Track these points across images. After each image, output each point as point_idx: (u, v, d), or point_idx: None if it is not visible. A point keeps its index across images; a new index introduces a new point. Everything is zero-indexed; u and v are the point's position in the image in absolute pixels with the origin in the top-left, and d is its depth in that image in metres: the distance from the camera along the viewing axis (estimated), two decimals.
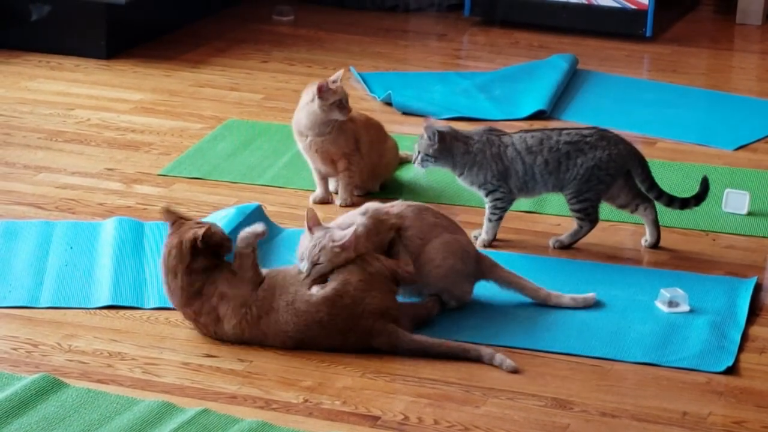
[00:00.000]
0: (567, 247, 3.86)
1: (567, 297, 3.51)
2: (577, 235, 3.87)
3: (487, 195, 3.84)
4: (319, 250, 3.29)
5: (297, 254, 3.34)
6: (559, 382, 3.19)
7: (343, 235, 3.29)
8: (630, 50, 5.83)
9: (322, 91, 4.01)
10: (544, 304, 3.49)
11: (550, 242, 3.88)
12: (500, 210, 3.84)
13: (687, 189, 4.32)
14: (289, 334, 3.25)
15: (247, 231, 3.32)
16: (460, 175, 3.84)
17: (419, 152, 3.83)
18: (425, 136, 3.81)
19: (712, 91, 5.35)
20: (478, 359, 3.25)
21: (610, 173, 3.81)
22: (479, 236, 3.85)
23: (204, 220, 3.76)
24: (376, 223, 3.41)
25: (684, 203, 3.92)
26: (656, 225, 3.90)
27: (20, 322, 3.38)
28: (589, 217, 3.84)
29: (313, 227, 3.33)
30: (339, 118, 4.05)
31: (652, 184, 3.87)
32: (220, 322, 3.28)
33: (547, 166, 3.80)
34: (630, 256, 3.87)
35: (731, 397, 3.16)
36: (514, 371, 3.22)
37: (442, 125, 3.86)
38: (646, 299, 3.57)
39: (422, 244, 3.44)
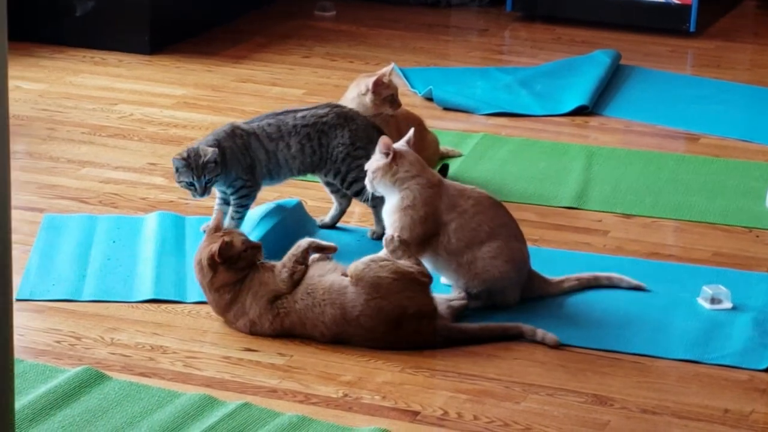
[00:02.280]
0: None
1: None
2: (378, 216, 3.78)
3: (234, 192, 3.76)
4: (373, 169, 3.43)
5: None
6: (600, 379, 3.18)
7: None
8: (673, 45, 5.80)
9: (378, 86, 4.05)
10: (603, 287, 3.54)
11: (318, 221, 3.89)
12: (245, 208, 3.78)
13: (729, 187, 4.30)
14: (327, 325, 3.25)
15: (319, 243, 3.31)
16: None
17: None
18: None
19: (756, 87, 5.31)
20: (519, 336, 3.28)
21: (360, 146, 3.77)
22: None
23: (247, 214, 3.79)
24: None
25: None
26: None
27: (63, 316, 3.40)
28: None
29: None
30: (389, 112, 4.09)
31: None
32: (254, 324, 3.30)
33: (289, 150, 3.76)
34: (672, 253, 3.85)
35: None
36: (557, 345, 3.25)
37: (209, 149, 3.69)
38: (688, 296, 3.55)
39: (488, 234, 3.41)
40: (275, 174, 3.81)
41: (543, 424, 2.99)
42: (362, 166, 3.69)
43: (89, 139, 4.59)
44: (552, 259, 3.73)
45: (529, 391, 3.12)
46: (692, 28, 5.88)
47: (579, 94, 5.03)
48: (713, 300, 3.50)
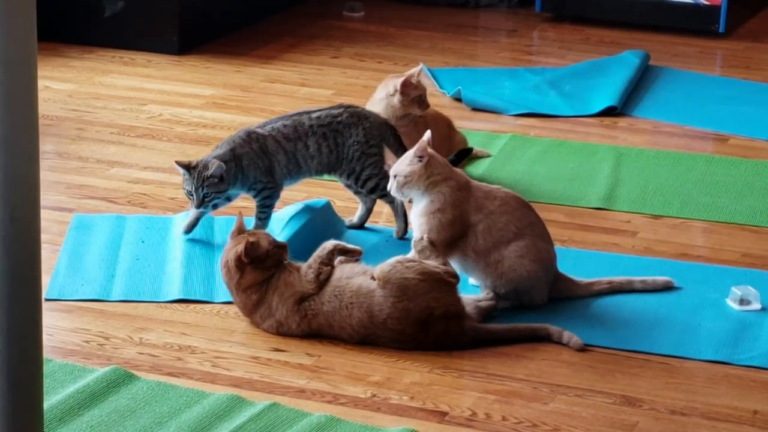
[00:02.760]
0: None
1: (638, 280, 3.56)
2: (397, 213, 3.82)
3: (256, 195, 3.76)
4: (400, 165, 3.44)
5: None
6: (628, 380, 3.17)
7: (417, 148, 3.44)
8: (702, 46, 5.78)
9: (406, 87, 4.05)
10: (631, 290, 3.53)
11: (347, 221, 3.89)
12: (269, 208, 3.78)
13: (758, 187, 4.28)
14: (354, 327, 3.25)
15: (344, 246, 3.32)
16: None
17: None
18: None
19: None
20: (547, 337, 3.29)
21: (374, 144, 3.78)
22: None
23: (274, 214, 3.80)
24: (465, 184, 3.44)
25: None
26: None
27: (92, 315, 3.42)
28: (387, 191, 3.64)
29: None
30: (417, 113, 4.09)
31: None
32: (281, 325, 3.30)
33: (307, 150, 3.77)
34: (701, 254, 3.84)
35: None
36: (581, 349, 3.24)
37: (215, 163, 3.67)
38: (716, 297, 3.54)
39: (515, 234, 3.41)
40: (294, 174, 3.82)
41: (571, 425, 2.99)
42: (376, 163, 3.73)
43: (118, 139, 4.61)
44: (580, 260, 3.72)
45: (558, 392, 3.11)
46: (721, 29, 5.86)
47: (608, 95, 5.01)
48: (742, 301, 3.49)
